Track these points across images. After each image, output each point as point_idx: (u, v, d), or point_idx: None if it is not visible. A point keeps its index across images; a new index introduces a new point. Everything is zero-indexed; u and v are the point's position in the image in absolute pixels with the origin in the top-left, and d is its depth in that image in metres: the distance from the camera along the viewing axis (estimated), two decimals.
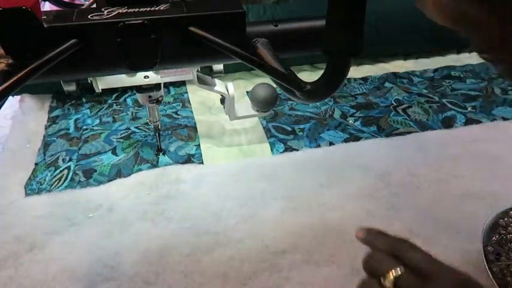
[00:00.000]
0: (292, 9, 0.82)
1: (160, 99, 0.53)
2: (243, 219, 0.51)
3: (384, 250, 0.33)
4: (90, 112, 0.73)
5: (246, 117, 0.60)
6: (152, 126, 0.58)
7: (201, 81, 0.53)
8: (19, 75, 0.27)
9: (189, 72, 0.51)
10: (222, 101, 0.59)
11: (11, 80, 0.26)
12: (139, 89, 0.50)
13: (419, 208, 0.53)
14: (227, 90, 0.56)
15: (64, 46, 0.29)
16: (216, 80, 0.56)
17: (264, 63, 0.32)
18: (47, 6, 0.97)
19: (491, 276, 0.42)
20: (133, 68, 0.33)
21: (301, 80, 0.32)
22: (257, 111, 0.59)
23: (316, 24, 0.37)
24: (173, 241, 0.48)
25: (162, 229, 0.50)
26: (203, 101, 0.75)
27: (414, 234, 0.49)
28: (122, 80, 0.48)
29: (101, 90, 0.48)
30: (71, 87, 0.44)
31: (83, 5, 0.43)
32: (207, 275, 0.45)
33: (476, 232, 0.46)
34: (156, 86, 0.51)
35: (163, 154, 0.61)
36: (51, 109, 0.74)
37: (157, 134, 0.59)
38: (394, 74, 0.83)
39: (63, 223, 0.51)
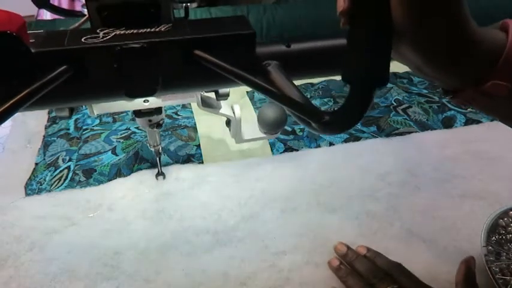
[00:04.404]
0: (293, 10, 0.82)
1: (161, 122, 0.49)
2: (243, 219, 0.51)
3: (381, 269, 0.43)
4: None
5: (253, 140, 0.56)
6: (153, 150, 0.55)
7: (206, 104, 0.50)
8: (4, 107, 0.24)
9: (192, 96, 0.48)
10: (228, 123, 0.56)
11: None
12: (138, 113, 0.47)
13: (419, 208, 0.53)
14: (233, 113, 0.53)
15: (53, 74, 0.26)
16: (222, 102, 0.52)
17: (276, 91, 0.29)
18: (48, 15, 0.97)
19: (491, 276, 0.42)
20: (132, 95, 0.30)
21: (318, 109, 0.29)
22: (265, 133, 0.56)
23: (334, 43, 0.33)
24: (173, 240, 0.48)
25: (162, 228, 0.50)
26: None
27: (414, 234, 0.49)
28: (119, 104, 0.45)
29: (96, 116, 0.46)
30: (64, 113, 0.39)
31: (84, 14, 0.41)
32: (206, 274, 0.45)
33: (476, 232, 0.46)
34: (157, 110, 0.47)
35: (163, 178, 0.58)
36: (51, 109, 0.74)
37: (158, 158, 0.56)
38: (394, 74, 0.83)
39: (63, 223, 0.51)
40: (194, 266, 0.46)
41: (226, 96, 0.43)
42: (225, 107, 0.52)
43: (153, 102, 0.45)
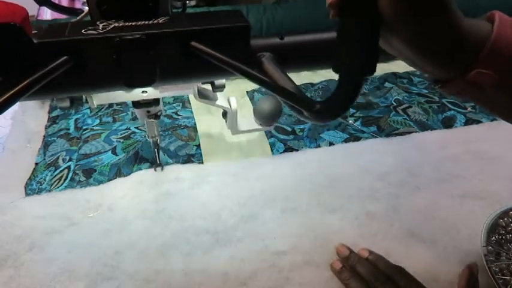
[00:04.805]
0: (293, 10, 0.82)
1: (159, 114, 0.51)
2: (243, 219, 0.51)
3: (383, 272, 0.43)
4: (90, 112, 0.73)
5: (249, 131, 0.58)
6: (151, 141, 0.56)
7: (202, 96, 0.52)
8: (5, 96, 0.25)
9: (189, 87, 0.49)
10: (224, 115, 0.57)
11: None
12: (137, 104, 0.48)
13: (419, 208, 0.53)
14: (229, 104, 0.54)
15: (55, 64, 0.27)
16: (218, 94, 0.53)
17: (270, 81, 0.30)
18: (48, 14, 0.97)
19: (491, 276, 0.42)
20: (131, 86, 0.31)
21: (310, 99, 0.30)
22: (260, 125, 0.57)
23: (325, 37, 0.34)
24: (173, 240, 0.48)
25: (162, 228, 0.50)
26: None
27: (414, 234, 0.49)
28: (118, 95, 0.46)
29: (96, 106, 0.47)
30: (65, 104, 0.41)
31: (82, 11, 0.42)
32: (206, 274, 0.45)
33: (476, 232, 0.46)
34: (155, 101, 0.48)
35: (162, 169, 0.59)
36: (51, 109, 0.74)
37: (155, 150, 0.57)
38: (394, 74, 0.83)
39: (63, 223, 0.51)
40: (194, 266, 0.46)
41: (222, 87, 0.45)
42: (221, 98, 0.53)
43: (151, 93, 0.47)
